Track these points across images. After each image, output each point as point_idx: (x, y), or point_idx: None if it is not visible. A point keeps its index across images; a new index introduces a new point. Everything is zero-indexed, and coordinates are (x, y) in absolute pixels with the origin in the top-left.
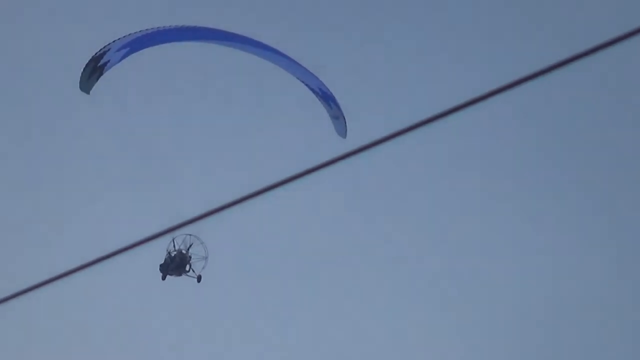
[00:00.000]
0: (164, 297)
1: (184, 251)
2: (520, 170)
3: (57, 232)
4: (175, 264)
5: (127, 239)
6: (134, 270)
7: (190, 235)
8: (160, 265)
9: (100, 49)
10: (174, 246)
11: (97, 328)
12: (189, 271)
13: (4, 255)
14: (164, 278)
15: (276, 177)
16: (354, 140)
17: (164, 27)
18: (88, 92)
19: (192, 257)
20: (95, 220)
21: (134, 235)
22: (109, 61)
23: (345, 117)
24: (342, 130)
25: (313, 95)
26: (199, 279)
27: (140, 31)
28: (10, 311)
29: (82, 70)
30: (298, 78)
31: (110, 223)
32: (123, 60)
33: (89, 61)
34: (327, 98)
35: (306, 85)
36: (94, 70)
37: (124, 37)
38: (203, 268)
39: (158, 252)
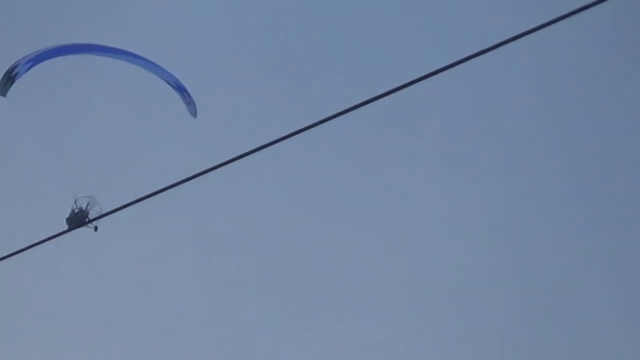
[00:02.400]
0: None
1: (83, 208)
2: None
3: None
4: (78, 218)
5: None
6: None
7: (88, 196)
8: (66, 219)
9: (14, 63)
10: (76, 204)
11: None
12: (88, 223)
13: None
14: (69, 230)
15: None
16: (202, 119)
17: (57, 45)
18: (4, 96)
19: (91, 212)
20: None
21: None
22: (18, 72)
23: (195, 103)
24: (193, 112)
25: (172, 89)
26: (95, 228)
27: (41, 49)
28: None
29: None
30: (160, 77)
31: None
32: (29, 71)
33: (5, 72)
34: (181, 89)
35: (166, 81)
36: (8, 79)
37: (31, 53)
38: (98, 221)
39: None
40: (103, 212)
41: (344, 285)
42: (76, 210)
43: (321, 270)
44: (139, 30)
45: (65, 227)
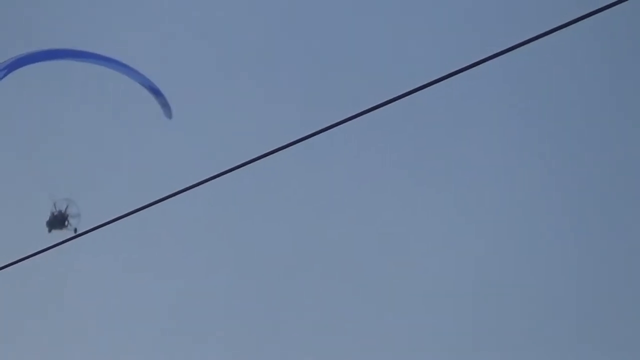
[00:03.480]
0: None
1: (62, 211)
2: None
3: None
4: (58, 220)
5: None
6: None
7: (67, 199)
8: (47, 222)
9: None
10: (55, 207)
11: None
12: (67, 226)
13: None
14: (50, 231)
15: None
16: (177, 120)
17: (33, 51)
18: None
19: (69, 215)
20: None
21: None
22: None
23: (170, 105)
24: (168, 114)
25: (147, 91)
26: (75, 230)
27: (15, 56)
28: None
29: None
30: (135, 80)
31: None
32: (4, 79)
33: None
34: (156, 92)
35: (140, 84)
36: None
37: (5, 60)
38: (78, 223)
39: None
40: (81, 214)
41: (342, 291)
42: (55, 213)
43: (319, 278)
44: (113, 34)
45: (46, 231)
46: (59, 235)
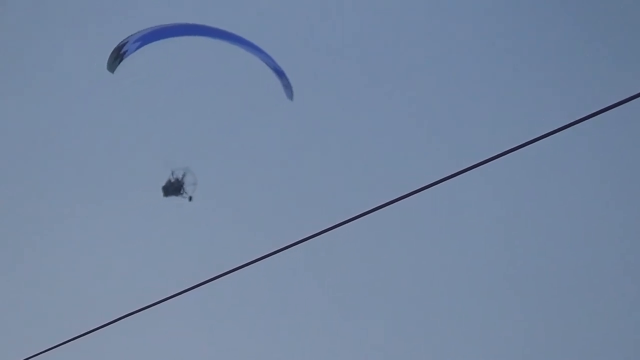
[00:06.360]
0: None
1: (179, 179)
2: None
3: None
4: (174, 187)
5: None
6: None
7: (185, 168)
8: (163, 187)
9: (122, 40)
10: (172, 175)
11: None
12: (182, 193)
13: None
14: (165, 195)
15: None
16: (298, 101)
17: (166, 24)
18: (112, 72)
19: (186, 182)
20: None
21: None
22: (127, 50)
23: (292, 87)
24: (290, 95)
25: (271, 71)
26: (190, 198)
27: (149, 28)
28: None
29: (109, 54)
30: (262, 59)
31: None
32: (138, 50)
33: (114, 49)
34: (280, 73)
35: (266, 64)
36: (117, 56)
37: (140, 31)
38: (193, 191)
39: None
40: (196, 181)
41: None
42: (172, 180)
43: None
44: (244, 13)
45: (161, 195)
46: (174, 200)
